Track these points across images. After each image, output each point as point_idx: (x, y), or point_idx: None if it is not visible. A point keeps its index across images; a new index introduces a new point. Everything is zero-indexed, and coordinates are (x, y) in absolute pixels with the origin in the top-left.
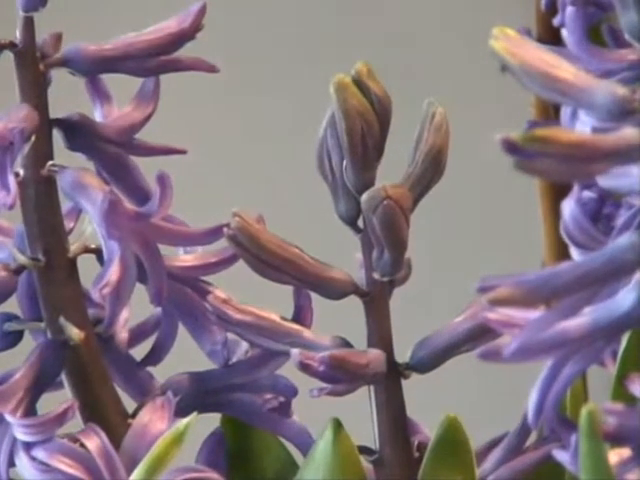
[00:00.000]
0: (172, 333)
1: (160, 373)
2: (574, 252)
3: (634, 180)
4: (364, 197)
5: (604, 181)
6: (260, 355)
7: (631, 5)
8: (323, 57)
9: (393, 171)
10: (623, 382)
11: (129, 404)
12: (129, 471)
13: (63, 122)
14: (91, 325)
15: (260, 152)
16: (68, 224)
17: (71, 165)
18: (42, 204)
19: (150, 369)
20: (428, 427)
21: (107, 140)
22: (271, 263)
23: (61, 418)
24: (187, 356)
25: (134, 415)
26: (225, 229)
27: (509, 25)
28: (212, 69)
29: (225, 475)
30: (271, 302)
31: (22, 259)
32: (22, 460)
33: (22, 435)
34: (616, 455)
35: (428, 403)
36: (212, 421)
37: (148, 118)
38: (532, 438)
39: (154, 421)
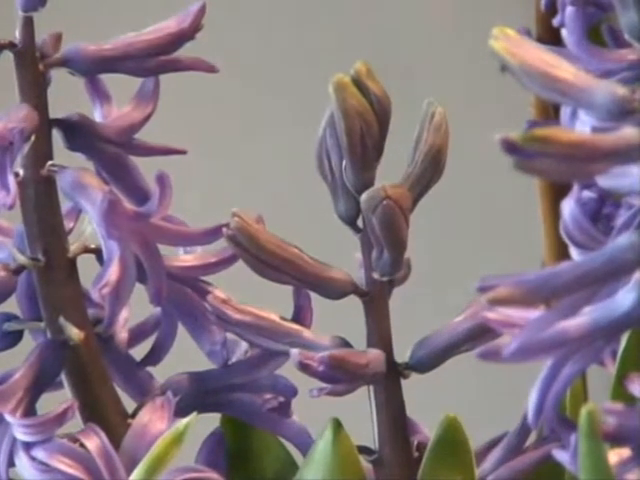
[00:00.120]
0: (172, 333)
1: (160, 373)
2: (574, 252)
3: (634, 180)
4: (363, 197)
5: (604, 181)
6: (260, 355)
7: (631, 5)
8: (322, 57)
9: (392, 171)
10: (623, 382)
11: (129, 404)
12: (129, 471)
13: (63, 122)
14: (91, 325)
15: (259, 152)
16: (68, 224)
17: (71, 165)
18: (42, 204)
19: (150, 369)
20: (428, 427)
21: (107, 140)
22: (270, 263)
23: (61, 418)
24: (187, 356)
25: (134, 415)
26: (224, 229)
27: (509, 25)
28: (211, 69)
29: (225, 475)
30: (271, 302)
31: (22, 259)
32: (22, 460)
33: (22, 435)
34: (616, 455)
35: (428, 403)
36: (212, 421)
37: (147, 118)
38: (532, 438)
39: (154, 421)
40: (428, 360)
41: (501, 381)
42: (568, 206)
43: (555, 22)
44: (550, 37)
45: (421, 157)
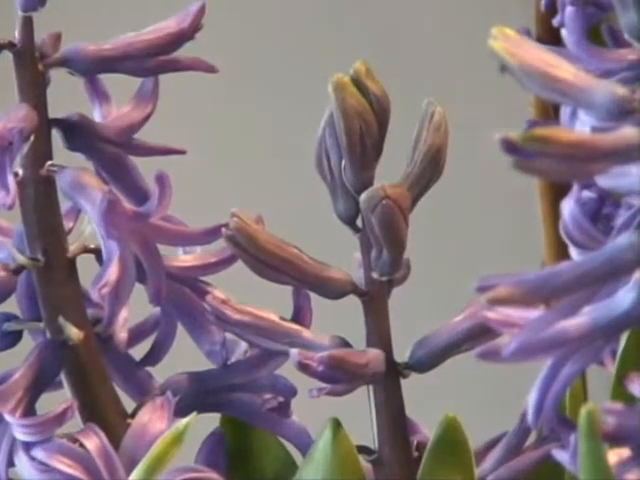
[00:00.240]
0: (171, 333)
1: (159, 373)
2: (573, 252)
3: (633, 180)
4: (363, 197)
5: (603, 181)
6: (259, 355)
7: (631, 5)
8: (322, 56)
9: (392, 171)
10: (622, 382)
11: (128, 404)
12: (128, 471)
13: (62, 122)
14: (90, 325)
15: (259, 152)
16: (67, 224)
17: (70, 165)
18: (41, 204)
19: (149, 369)
20: (427, 427)
21: (106, 140)
22: (270, 263)
23: (60, 418)
24: (186, 356)
25: (133, 415)
26: (223, 229)
27: (509, 25)
28: (211, 69)
29: (225, 475)
30: (270, 302)
31: (21, 259)
32: (21, 460)
33: (21, 435)
34: (615, 455)
35: (427, 403)
36: (212, 421)
37: (147, 118)
38: (532, 438)
39: (153, 421)
40: (427, 360)
41: (501, 381)
42: (568, 206)
43: (555, 22)
44: (550, 37)
45: (420, 157)
